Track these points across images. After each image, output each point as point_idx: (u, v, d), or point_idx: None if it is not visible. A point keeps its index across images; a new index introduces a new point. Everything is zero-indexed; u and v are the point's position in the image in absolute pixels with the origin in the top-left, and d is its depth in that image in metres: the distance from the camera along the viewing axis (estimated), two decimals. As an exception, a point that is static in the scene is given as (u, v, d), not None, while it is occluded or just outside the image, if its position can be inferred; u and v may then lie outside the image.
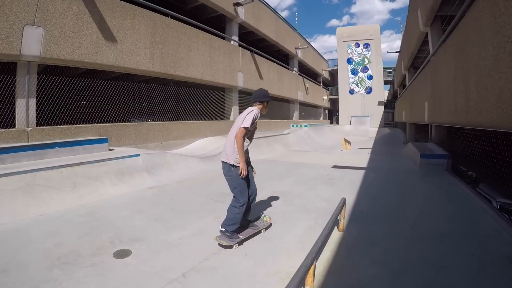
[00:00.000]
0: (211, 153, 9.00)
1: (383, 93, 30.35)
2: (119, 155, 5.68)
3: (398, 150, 14.09)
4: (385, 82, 32.24)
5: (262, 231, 3.35)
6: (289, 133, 15.40)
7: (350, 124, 29.52)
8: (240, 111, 14.17)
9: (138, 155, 5.99)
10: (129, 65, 7.86)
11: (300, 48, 22.37)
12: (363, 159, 9.87)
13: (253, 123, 3.07)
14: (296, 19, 64.06)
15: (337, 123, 32.52)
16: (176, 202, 4.56)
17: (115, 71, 8.00)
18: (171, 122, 9.75)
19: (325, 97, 30.47)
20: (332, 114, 36.38)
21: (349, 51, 30.76)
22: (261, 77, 15.53)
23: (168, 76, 9.55)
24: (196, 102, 11.11)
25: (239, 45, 13.78)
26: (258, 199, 3.90)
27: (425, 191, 5.54)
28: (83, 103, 7.90)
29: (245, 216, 3.22)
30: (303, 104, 24.28)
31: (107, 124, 7.52)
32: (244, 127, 2.98)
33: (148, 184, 5.60)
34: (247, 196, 3.10)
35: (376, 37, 30.02)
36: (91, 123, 7.25)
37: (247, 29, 15.11)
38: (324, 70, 31.21)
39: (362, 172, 7.35)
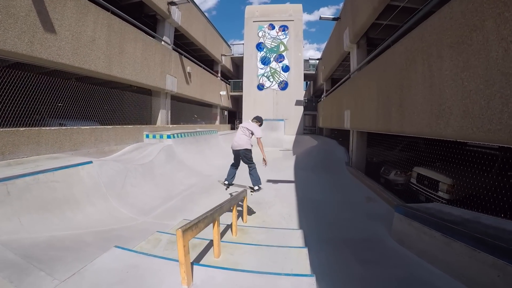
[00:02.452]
0: None
1: (303, 90, 22.87)
2: None
3: (361, 208, 5.85)
4: (305, 77, 24.98)
5: None
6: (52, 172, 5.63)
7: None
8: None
9: None
10: None
11: (175, 4, 12.77)
12: None
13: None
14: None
15: (241, 129, 23.90)
16: None
17: None
18: None
19: (223, 93, 21.64)
20: (235, 117, 27.68)
21: (260, 34, 23.20)
22: (48, 29, 6.41)
23: None
24: None
25: None
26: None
27: None
28: None
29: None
30: (180, 99, 14.97)
31: None
32: (260, 137, 5.62)
33: None
34: None
35: (297, 19, 23.07)
36: None
37: None
38: (224, 55, 22.36)
39: None
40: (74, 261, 3.31)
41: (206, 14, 18.52)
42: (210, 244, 3.45)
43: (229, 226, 4.32)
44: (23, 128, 6.03)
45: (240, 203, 4.87)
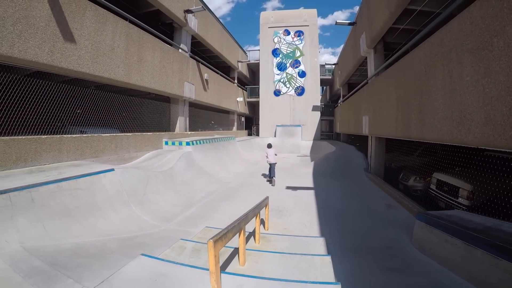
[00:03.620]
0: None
1: (319, 95, 22.81)
2: None
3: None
4: (321, 82, 24.91)
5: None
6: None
7: (275, 136, 21.92)
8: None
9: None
10: None
11: (192, 12, 13.10)
12: None
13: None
14: None
15: (257, 134, 24.27)
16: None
17: None
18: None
19: (240, 99, 21.93)
20: (252, 123, 27.90)
21: (275, 40, 23.40)
22: (68, 38, 6.68)
23: None
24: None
25: None
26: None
27: None
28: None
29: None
30: (198, 106, 15.29)
31: None
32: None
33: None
34: None
35: (312, 24, 23.15)
36: None
37: None
38: (240, 61, 22.67)
39: None
40: (101, 268, 3.40)
41: (221, 20, 18.85)
42: (234, 251, 3.57)
43: (251, 234, 4.44)
44: (45, 136, 6.28)
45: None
